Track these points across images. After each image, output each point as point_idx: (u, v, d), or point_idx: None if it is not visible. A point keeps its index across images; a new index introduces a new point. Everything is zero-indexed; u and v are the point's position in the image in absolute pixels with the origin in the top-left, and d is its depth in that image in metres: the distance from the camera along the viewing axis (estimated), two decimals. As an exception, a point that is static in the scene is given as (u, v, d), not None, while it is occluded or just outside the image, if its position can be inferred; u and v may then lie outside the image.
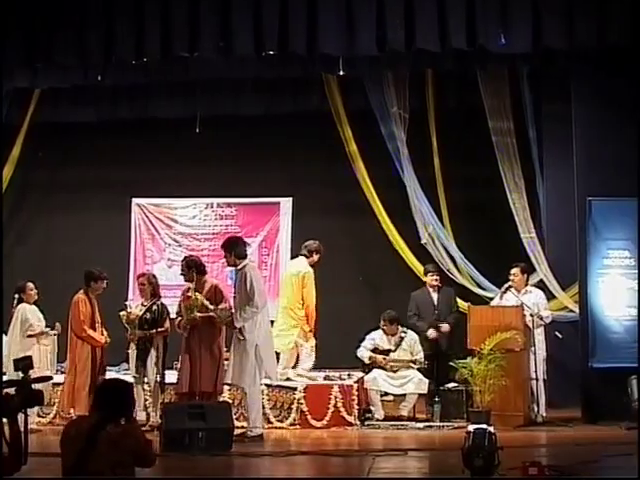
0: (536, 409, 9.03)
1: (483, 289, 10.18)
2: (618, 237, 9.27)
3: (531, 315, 9.02)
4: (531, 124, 10.07)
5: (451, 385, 9.19)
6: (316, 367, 9.46)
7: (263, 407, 8.72)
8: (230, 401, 8.73)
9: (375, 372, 9.22)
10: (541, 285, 9.80)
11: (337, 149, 10.58)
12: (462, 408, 8.99)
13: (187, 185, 11.51)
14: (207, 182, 11.48)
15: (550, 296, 9.77)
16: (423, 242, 10.27)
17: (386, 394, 9.25)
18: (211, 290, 8.51)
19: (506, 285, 9.26)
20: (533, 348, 9.03)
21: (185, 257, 9.10)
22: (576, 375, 9.35)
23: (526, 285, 9.39)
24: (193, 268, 8.53)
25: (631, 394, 8.60)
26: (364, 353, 9.42)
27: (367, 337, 9.54)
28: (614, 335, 9.19)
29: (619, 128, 9.19)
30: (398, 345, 9.44)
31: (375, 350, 9.43)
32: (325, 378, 9.25)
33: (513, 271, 9.32)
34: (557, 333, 9.65)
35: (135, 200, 11.75)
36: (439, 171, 10.39)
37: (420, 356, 9.33)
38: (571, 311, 9.77)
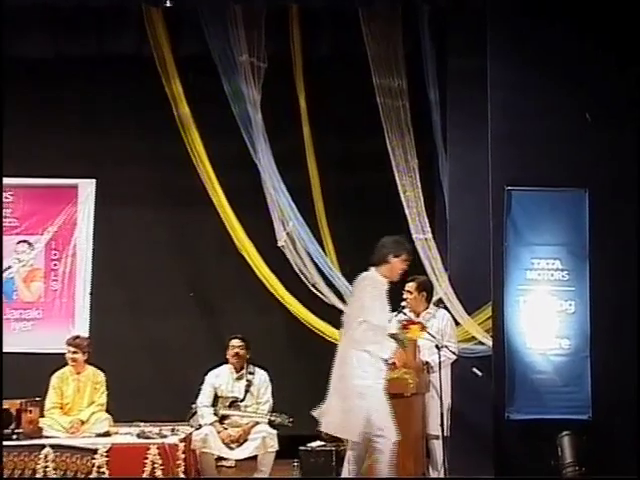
0: (433, 476, 9.00)
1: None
2: (546, 241, 9.20)
3: (437, 347, 8.82)
4: (432, 83, 10.13)
5: (316, 444, 9.23)
6: (127, 420, 9.37)
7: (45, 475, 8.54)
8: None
9: (207, 428, 9.17)
10: (442, 306, 9.74)
11: (161, 111, 10.32)
12: (331, 474, 9.11)
13: None
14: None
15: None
16: (280, 244, 10.18)
17: (222, 459, 9.25)
18: None
19: (400, 306, 9.14)
20: (434, 393, 8.92)
21: None
22: (486, 429, 9.28)
23: (427, 306, 9.32)
24: None
25: (562, 456, 8.56)
26: (205, 416, 9.27)
27: (205, 382, 9.44)
28: (539, 376, 9.12)
29: (552, 93, 9.21)
30: (247, 390, 9.42)
31: (217, 400, 9.35)
32: (139, 435, 9.03)
33: (408, 286, 9.22)
34: (475, 370, 9.53)
35: None
36: (309, 146, 10.35)
37: (267, 405, 9.37)
38: (480, 343, 9.71)
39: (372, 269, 8.13)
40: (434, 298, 9.67)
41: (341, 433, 7.97)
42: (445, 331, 9.20)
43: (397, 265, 8.08)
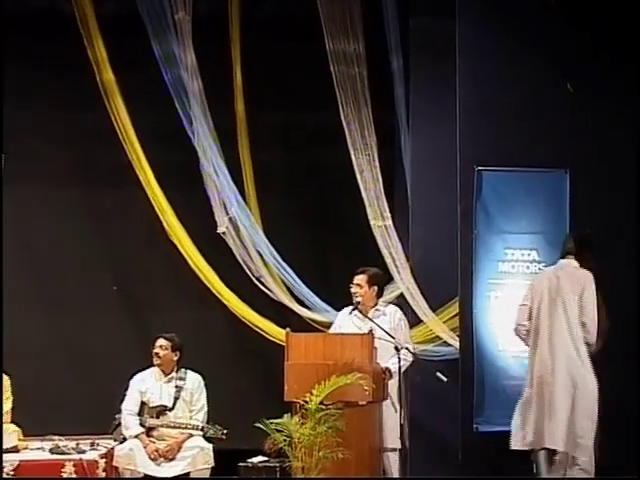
0: (387, 494, 8.99)
1: (312, 308, 10.19)
2: (522, 229, 9.23)
3: (396, 349, 8.63)
4: (394, 48, 10.12)
5: (258, 459, 9.30)
6: (39, 433, 9.33)
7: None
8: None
9: (132, 442, 9.07)
10: (400, 302, 9.70)
11: (81, 77, 10.23)
12: (275, 494, 9.27)
13: None
14: None
15: (415, 320, 9.69)
16: (220, 231, 10.13)
17: (149, 477, 9.10)
18: None
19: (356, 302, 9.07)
20: (392, 401, 8.82)
21: None
22: (453, 443, 9.32)
23: (377, 302, 9.16)
24: None
25: (537, 471, 8.40)
26: (131, 426, 9.14)
27: (130, 387, 9.35)
28: (512, 382, 9.11)
29: (528, 61, 9.22)
30: (177, 397, 9.32)
31: (144, 409, 9.24)
32: (52, 450, 8.95)
33: (357, 279, 9.07)
34: (439, 374, 9.48)
35: None
36: (243, 119, 10.33)
37: (202, 414, 9.27)
38: (446, 344, 9.77)
39: (573, 260, 8.26)
40: (392, 294, 9.73)
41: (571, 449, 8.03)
42: (399, 330, 9.00)
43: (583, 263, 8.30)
